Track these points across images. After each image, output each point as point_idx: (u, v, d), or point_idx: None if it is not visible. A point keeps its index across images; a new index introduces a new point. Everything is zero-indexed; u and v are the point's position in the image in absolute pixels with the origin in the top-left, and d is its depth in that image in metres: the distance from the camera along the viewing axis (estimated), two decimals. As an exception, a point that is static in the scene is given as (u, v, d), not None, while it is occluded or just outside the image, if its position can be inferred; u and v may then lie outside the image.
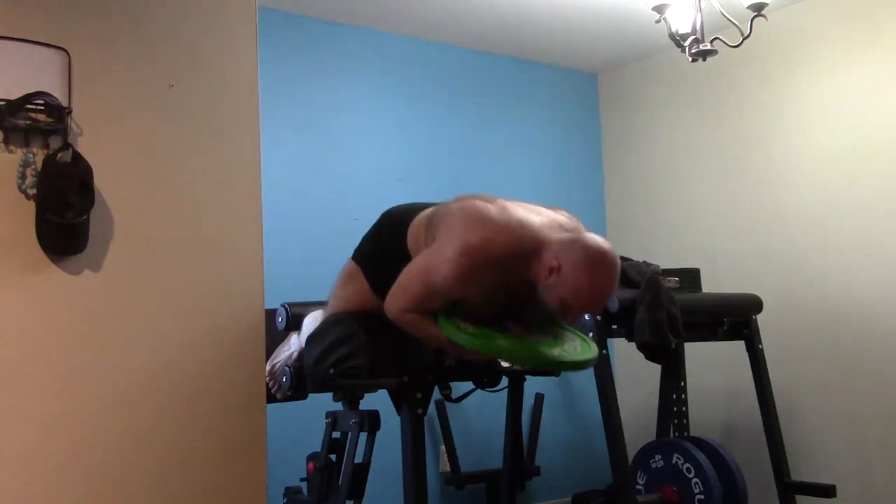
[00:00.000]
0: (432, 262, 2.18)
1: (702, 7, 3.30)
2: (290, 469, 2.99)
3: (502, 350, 2.20)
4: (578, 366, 2.26)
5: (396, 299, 2.25)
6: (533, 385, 3.93)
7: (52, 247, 2.01)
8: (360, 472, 2.48)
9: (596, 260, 2.08)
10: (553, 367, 2.34)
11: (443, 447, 3.88)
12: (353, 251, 2.53)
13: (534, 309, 2.22)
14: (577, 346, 2.28)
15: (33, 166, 2.00)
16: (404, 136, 4.13)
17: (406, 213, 2.41)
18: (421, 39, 4.23)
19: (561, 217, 2.27)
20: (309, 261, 3.58)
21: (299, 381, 2.63)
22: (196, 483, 2.16)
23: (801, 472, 3.70)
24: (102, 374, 2.06)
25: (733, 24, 3.24)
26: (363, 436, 2.49)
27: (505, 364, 2.52)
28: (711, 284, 3.61)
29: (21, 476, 1.95)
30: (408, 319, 2.25)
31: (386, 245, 2.38)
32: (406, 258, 2.28)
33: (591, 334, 3.07)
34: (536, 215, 2.22)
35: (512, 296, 2.21)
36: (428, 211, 2.33)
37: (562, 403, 4.44)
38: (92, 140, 2.09)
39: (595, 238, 2.14)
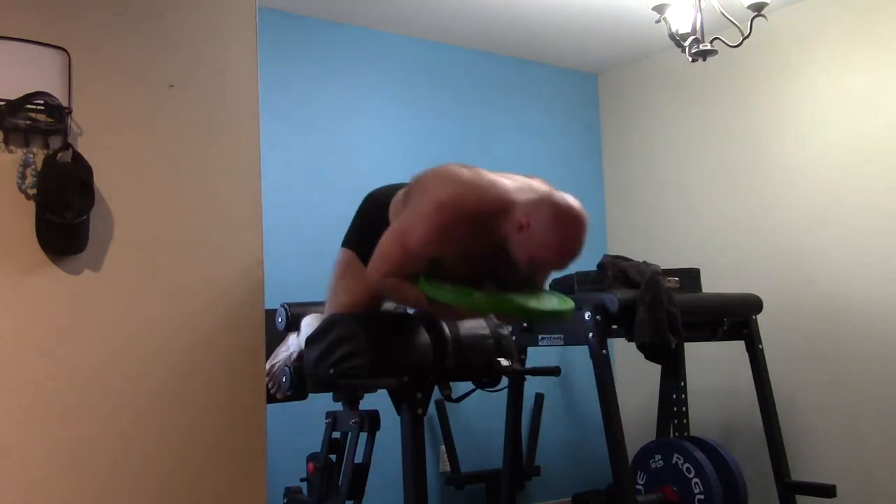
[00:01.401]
0: (407, 223, 2.25)
1: (702, 7, 3.30)
2: (290, 469, 3.00)
3: (481, 303, 2.24)
4: (556, 315, 2.32)
5: (376, 265, 2.31)
6: (533, 385, 3.93)
7: (52, 247, 2.01)
8: (360, 472, 2.48)
9: (563, 217, 2.13)
10: (531, 317, 2.41)
11: (443, 447, 3.88)
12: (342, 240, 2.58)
13: (510, 271, 2.28)
14: (555, 302, 2.34)
15: (33, 166, 2.00)
16: (404, 136, 4.13)
17: (387, 192, 2.48)
18: (421, 39, 4.23)
19: (535, 182, 2.35)
20: (309, 261, 3.58)
21: (299, 381, 2.63)
22: (196, 483, 2.16)
23: (801, 472, 3.70)
24: (102, 373, 2.06)
25: (733, 24, 3.24)
26: (363, 436, 2.49)
27: (505, 363, 2.52)
28: (711, 284, 3.62)
29: (21, 476, 1.94)
30: (389, 284, 2.31)
31: (372, 225, 2.42)
32: None
33: (590, 334, 3.07)
34: (510, 180, 2.29)
35: (487, 258, 2.28)
36: (406, 186, 2.40)
37: (562, 403, 4.44)
38: (92, 140, 2.09)
39: (563, 196, 2.18)
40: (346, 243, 2.56)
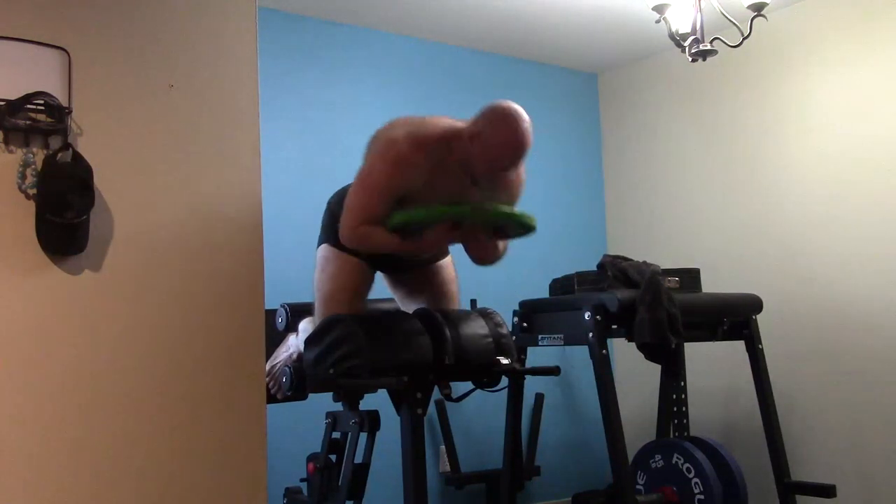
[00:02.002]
0: (365, 169, 2.41)
1: (702, 7, 3.30)
2: (290, 469, 3.00)
3: (450, 212, 2.35)
4: (519, 219, 2.41)
5: (346, 219, 2.40)
6: (533, 385, 3.93)
7: (52, 247, 2.01)
8: (360, 473, 2.48)
9: (505, 112, 2.32)
10: (499, 218, 2.43)
11: (443, 447, 3.88)
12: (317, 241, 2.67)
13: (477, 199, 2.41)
14: (518, 212, 2.45)
15: (33, 166, 2.00)
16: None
17: (347, 186, 2.55)
18: (421, 39, 4.23)
19: None
20: (309, 261, 3.56)
21: (299, 381, 2.63)
22: (196, 483, 2.16)
23: (801, 472, 3.70)
24: (102, 373, 2.06)
25: (733, 24, 3.24)
26: (363, 436, 2.49)
27: (505, 362, 2.52)
28: (711, 284, 3.61)
29: (21, 476, 1.94)
30: (361, 233, 2.39)
31: (339, 215, 2.47)
32: None
33: (590, 334, 3.07)
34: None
35: (452, 192, 2.39)
36: None
37: (562, 403, 4.44)
38: (92, 140, 2.09)
39: (502, 101, 2.38)
40: (322, 240, 2.65)
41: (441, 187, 2.38)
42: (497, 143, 2.30)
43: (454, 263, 2.79)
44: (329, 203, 2.69)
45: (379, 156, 2.37)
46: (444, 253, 2.75)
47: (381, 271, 2.72)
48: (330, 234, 2.58)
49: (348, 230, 2.39)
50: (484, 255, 2.54)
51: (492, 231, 2.50)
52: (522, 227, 2.48)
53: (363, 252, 2.51)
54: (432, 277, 2.70)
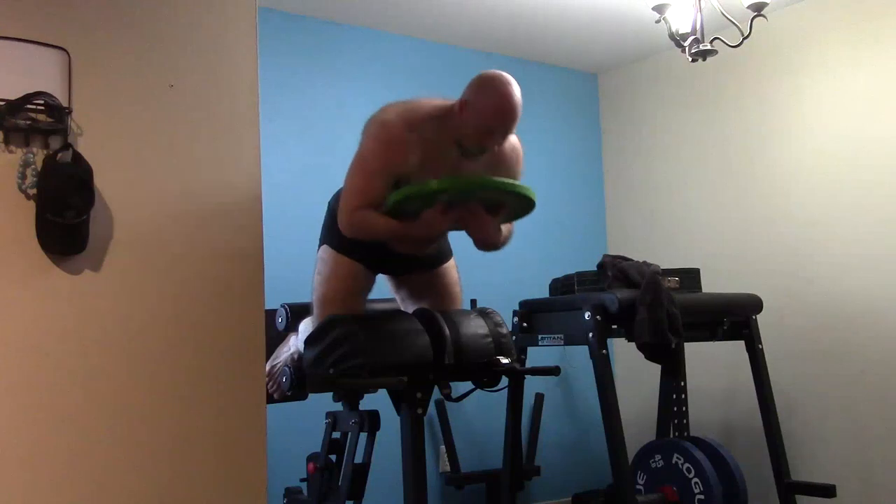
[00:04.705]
0: (360, 153, 2.41)
1: (702, 7, 3.30)
2: (290, 469, 2.99)
3: (446, 184, 2.32)
4: (517, 190, 2.37)
5: (343, 205, 2.40)
6: (533, 385, 3.93)
7: (52, 247, 2.01)
8: (360, 473, 2.48)
9: (492, 79, 2.32)
10: (497, 188, 2.38)
11: (443, 447, 3.88)
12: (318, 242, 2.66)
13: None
14: (518, 185, 2.42)
15: (33, 166, 2.00)
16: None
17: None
18: (421, 39, 4.23)
19: None
20: (309, 261, 3.56)
21: (299, 381, 2.63)
22: (196, 483, 2.15)
23: (801, 472, 3.70)
24: (102, 374, 2.06)
25: (733, 24, 3.24)
26: (363, 436, 2.49)
27: (504, 362, 2.52)
28: (711, 284, 3.62)
29: (21, 476, 1.94)
30: (359, 218, 2.38)
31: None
32: None
33: (590, 334, 3.07)
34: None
35: (445, 168, 2.37)
36: None
37: (562, 403, 4.44)
38: (92, 140, 2.09)
39: (489, 70, 2.37)
40: (322, 241, 2.63)
41: (436, 166, 2.36)
42: (486, 108, 2.28)
43: (457, 267, 2.78)
44: (329, 204, 2.68)
45: (372, 138, 2.37)
46: (448, 255, 2.73)
47: (385, 274, 2.71)
48: (329, 235, 2.58)
49: (346, 214, 2.39)
50: (486, 234, 2.44)
51: (491, 208, 2.42)
52: (520, 199, 2.41)
53: (365, 241, 2.46)
54: (435, 280, 2.69)
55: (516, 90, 2.31)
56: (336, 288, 2.54)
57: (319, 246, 2.65)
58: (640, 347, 3.14)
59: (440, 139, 2.36)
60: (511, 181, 2.39)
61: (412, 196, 2.31)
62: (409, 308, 2.71)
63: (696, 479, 3.28)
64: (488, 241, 2.47)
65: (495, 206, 2.44)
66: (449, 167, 2.38)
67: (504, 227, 2.52)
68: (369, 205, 2.35)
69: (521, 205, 2.46)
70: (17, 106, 1.99)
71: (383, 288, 2.81)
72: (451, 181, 2.34)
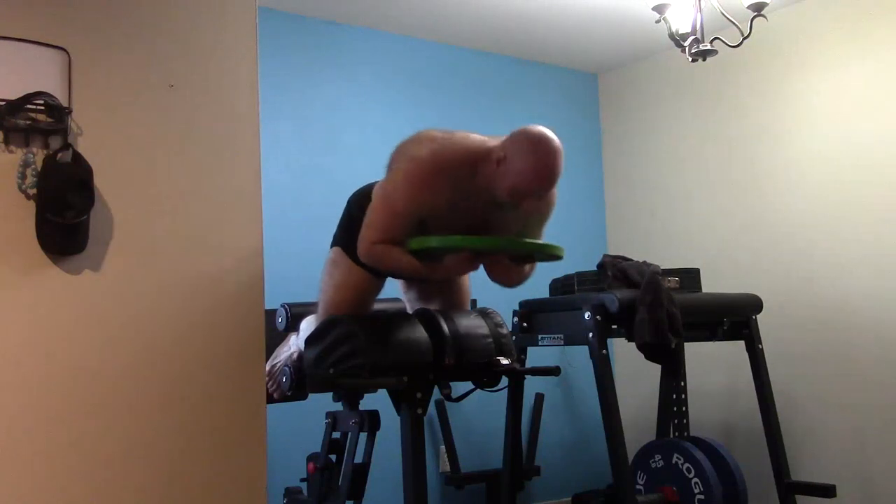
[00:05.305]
0: (387, 186, 2.32)
1: (702, 7, 3.30)
2: (290, 469, 2.99)
3: (472, 242, 2.28)
4: (547, 251, 2.37)
5: (364, 235, 2.33)
6: (533, 385, 3.93)
7: (52, 247, 2.01)
8: (360, 473, 2.47)
9: (537, 140, 2.21)
10: (523, 249, 2.39)
11: (443, 447, 3.88)
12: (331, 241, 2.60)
13: (500, 225, 2.36)
14: (543, 244, 2.41)
15: (33, 166, 2.00)
16: (404, 136, 4.11)
17: (369, 186, 2.51)
18: (421, 39, 4.23)
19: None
20: (309, 261, 3.56)
21: (299, 381, 2.63)
22: (196, 483, 2.16)
23: (801, 472, 3.70)
24: (102, 373, 2.06)
25: (733, 24, 3.24)
26: (363, 436, 2.49)
27: (505, 362, 2.52)
28: (711, 284, 3.62)
29: (21, 476, 1.94)
30: (378, 252, 2.32)
31: (358, 220, 2.42)
32: None
33: (590, 334, 3.07)
34: (481, 136, 2.37)
35: (475, 215, 2.32)
36: None
37: (562, 403, 4.44)
38: (92, 140, 2.09)
39: (534, 126, 2.25)
40: (334, 242, 2.58)
41: (464, 208, 2.30)
42: (523, 170, 2.19)
43: None
44: (349, 202, 2.60)
45: (402, 174, 2.28)
46: None
47: (397, 279, 2.69)
48: (345, 238, 2.51)
49: (366, 246, 2.33)
50: (507, 279, 2.46)
51: (516, 258, 2.42)
52: (548, 257, 2.43)
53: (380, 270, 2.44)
54: (445, 283, 2.68)
55: (558, 155, 2.21)
56: (347, 298, 2.50)
57: (333, 244, 2.58)
58: (640, 347, 3.14)
59: (472, 184, 2.28)
60: (541, 243, 2.35)
61: (435, 248, 2.28)
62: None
63: (696, 479, 3.28)
64: (510, 284, 2.48)
65: (520, 256, 2.43)
66: (478, 212, 2.32)
67: (526, 266, 2.50)
68: (391, 241, 2.29)
69: (548, 257, 2.47)
70: (17, 106, 1.99)
71: (387, 288, 2.81)
72: (480, 241, 2.29)
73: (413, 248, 2.28)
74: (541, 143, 2.21)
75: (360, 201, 2.50)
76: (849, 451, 3.68)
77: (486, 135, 2.39)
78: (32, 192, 2.00)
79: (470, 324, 2.52)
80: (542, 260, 2.51)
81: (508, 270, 2.44)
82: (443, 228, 2.31)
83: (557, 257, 2.41)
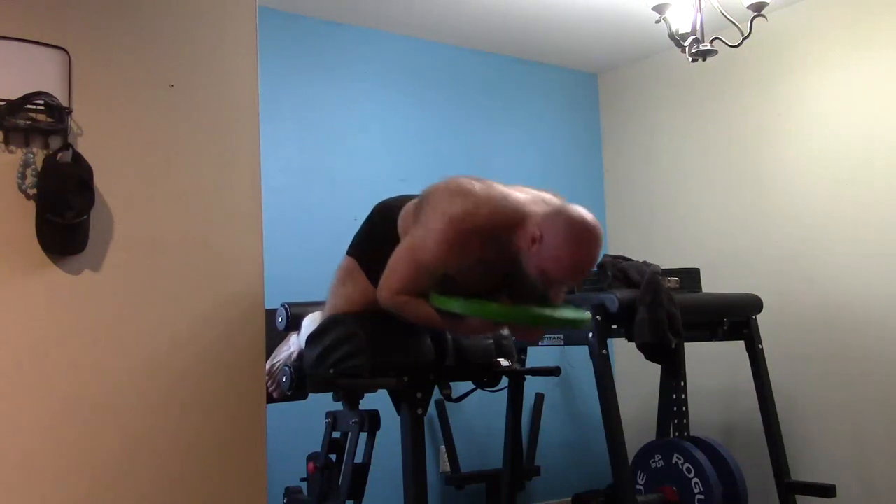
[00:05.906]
0: (418, 239, 2.21)
1: (702, 7, 3.30)
2: (290, 469, 2.99)
3: (495, 311, 2.20)
4: (572, 324, 2.30)
5: (388, 283, 2.27)
6: (533, 385, 3.93)
7: (52, 247, 2.01)
8: (360, 472, 2.47)
9: (578, 230, 2.08)
10: (547, 323, 2.35)
11: (443, 447, 3.88)
12: (347, 247, 2.54)
13: (524, 287, 2.24)
14: (570, 313, 2.32)
15: (33, 166, 2.00)
16: (404, 136, 4.13)
17: (396, 203, 2.44)
18: (421, 39, 4.23)
19: (547, 195, 2.31)
20: (309, 261, 3.58)
21: (299, 381, 2.62)
22: (196, 483, 2.16)
23: (801, 472, 3.70)
24: (102, 374, 2.06)
25: (733, 24, 3.24)
26: (363, 436, 2.49)
27: (505, 363, 2.52)
28: (711, 284, 3.61)
29: (21, 476, 1.94)
30: (400, 301, 2.26)
31: (380, 237, 2.39)
32: None
33: (590, 334, 3.07)
34: (522, 192, 2.26)
35: (499, 270, 2.24)
36: (416, 198, 2.35)
37: (562, 403, 4.44)
38: (92, 140, 2.09)
39: (578, 210, 2.13)
40: (351, 252, 2.52)
41: (493, 265, 2.23)
42: (556, 257, 2.08)
43: None
44: (372, 213, 2.52)
45: (434, 232, 2.16)
46: None
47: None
48: (364, 255, 2.46)
49: (388, 294, 2.27)
50: (530, 339, 2.50)
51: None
52: (572, 324, 2.36)
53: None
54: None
55: (598, 245, 2.11)
56: (356, 312, 2.47)
57: (349, 253, 2.51)
58: (640, 347, 3.14)
59: (502, 250, 2.19)
60: (566, 317, 2.28)
61: (459, 311, 2.21)
62: None
63: (696, 479, 3.28)
64: (532, 342, 2.51)
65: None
66: (505, 266, 2.24)
67: None
68: (413, 293, 2.24)
69: (572, 324, 2.41)
70: (17, 106, 1.99)
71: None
72: (504, 313, 2.23)
73: (434, 303, 2.23)
74: (581, 233, 2.09)
75: (383, 212, 2.45)
76: (849, 451, 3.68)
77: (525, 188, 2.30)
78: (32, 192, 2.00)
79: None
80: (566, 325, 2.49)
81: (531, 333, 2.51)
82: (467, 281, 2.25)
83: (582, 324, 2.33)
